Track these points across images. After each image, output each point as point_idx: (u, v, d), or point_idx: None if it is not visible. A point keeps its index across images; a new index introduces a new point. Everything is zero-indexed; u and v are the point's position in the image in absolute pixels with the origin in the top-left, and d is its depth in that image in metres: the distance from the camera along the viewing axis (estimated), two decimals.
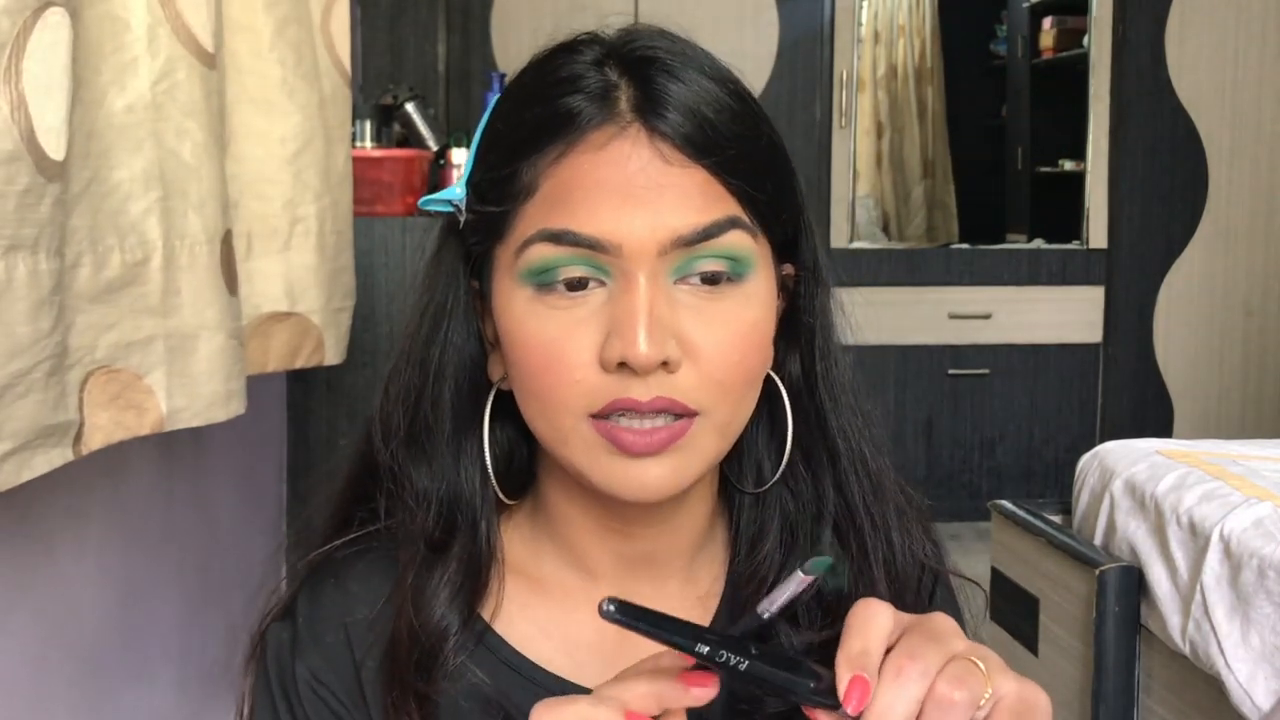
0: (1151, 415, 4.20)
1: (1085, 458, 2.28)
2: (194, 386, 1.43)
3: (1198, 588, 1.79)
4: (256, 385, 1.90)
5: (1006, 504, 2.37)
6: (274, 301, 1.79)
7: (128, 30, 1.34)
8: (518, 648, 0.73)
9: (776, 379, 0.75)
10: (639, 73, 0.68)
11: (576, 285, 0.66)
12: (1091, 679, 2.00)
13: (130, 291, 1.34)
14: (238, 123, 1.69)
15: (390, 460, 0.73)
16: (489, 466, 0.73)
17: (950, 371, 4.21)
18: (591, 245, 0.65)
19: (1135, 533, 1.99)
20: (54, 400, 1.19)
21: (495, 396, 0.74)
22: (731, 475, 0.77)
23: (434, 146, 3.26)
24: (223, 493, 2.34)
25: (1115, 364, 4.23)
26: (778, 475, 0.75)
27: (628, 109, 0.67)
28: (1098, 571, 1.97)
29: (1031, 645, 2.22)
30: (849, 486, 0.76)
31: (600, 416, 0.66)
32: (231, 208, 1.62)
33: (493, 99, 2.77)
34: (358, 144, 3.01)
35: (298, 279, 1.81)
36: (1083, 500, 2.21)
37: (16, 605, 1.44)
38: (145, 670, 1.88)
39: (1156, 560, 1.92)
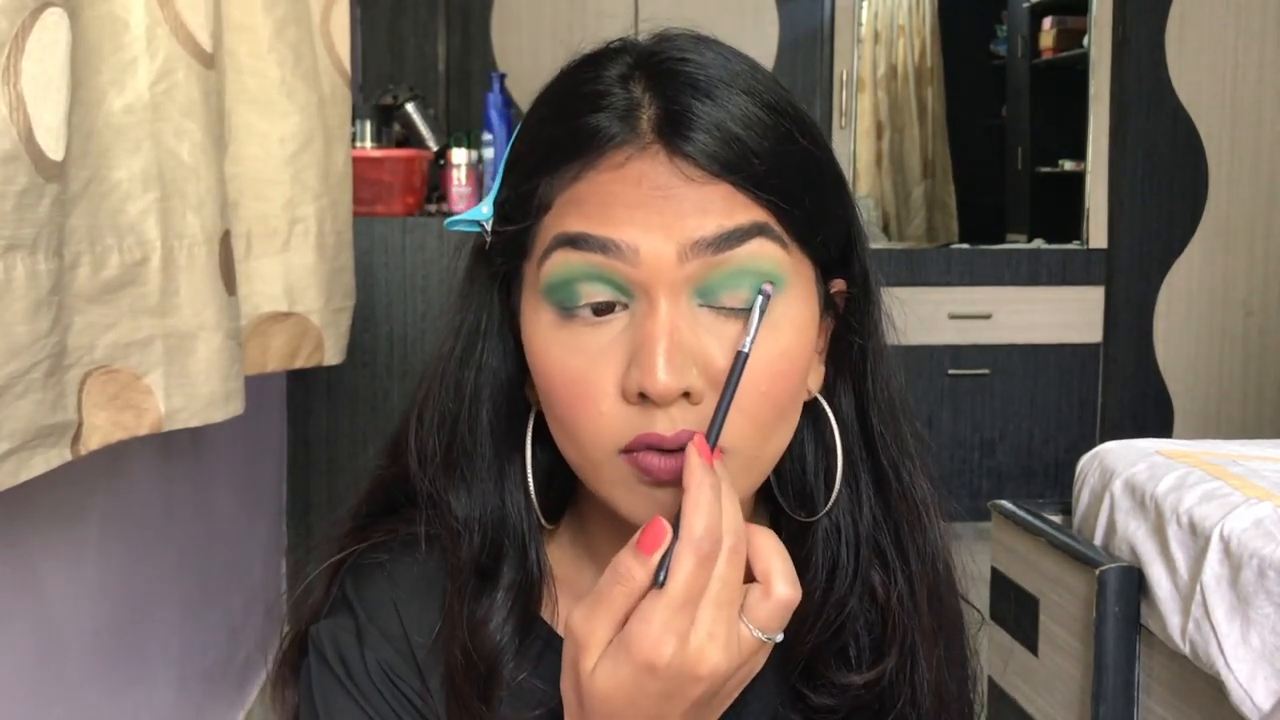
0: (1151, 415, 4.20)
1: (1085, 458, 2.28)
2: (192, 386, 1.43)
3: (1198, 588, 1.79)
4: (256, 385, 1.90)
5: (1006, 504, 2.37)
6: (273, 302, 1.79)
7: (126, 30, 1.34)
8: None
9: (825, 403, 0.72)
10: (664, 90, 0.65)
11: (602, 310, 0.64)
12: (1091, 679, 2.00)
13: (129, 291, 1.34)
14: (237, 123, 1.69)
15: (430, 486, 0.72)
16: (532, 491, 0.71)
17: (950, 371, 4.21)
18: (606, 248, 0.63)
19: (1135, 533, 1.99)
20: (52, 400, 1.19)
21: (535, 417, 0.72)
22: (781, 500, 0.75)
23: (434, 146, 3.26)
24: (223, 493, 2.34)
25: (1115, 364, 4.22)
26: (829, 505, 0.73)
27: (649, 129, 0.64)
28: (1098, 571, 1.97)
29: (1031, 645, 2.22)
30: (898, 515, 0.74)
31: (628, 451, 0.64)
32: (231, 208, 1.62)
33: (492, 99, 2.76)
34: (358, 144, 3.01)
35: (297, 279, 1.81)
36: (1083, 500, 2.21)
37: (16, 605, 1.44)
38: (145, 670, 1.88)
39: (1156, 560, 1.92)
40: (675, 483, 0.63)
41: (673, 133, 0.64)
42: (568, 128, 0.66)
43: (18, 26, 1.08)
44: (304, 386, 2.85)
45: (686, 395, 0.63)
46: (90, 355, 1.28)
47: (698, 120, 0.64)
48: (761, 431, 0.65)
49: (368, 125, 3.10)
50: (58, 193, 1.17)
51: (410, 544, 0.73)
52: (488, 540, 0.71)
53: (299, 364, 1.87)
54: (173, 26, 1.39)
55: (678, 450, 0.63)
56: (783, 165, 0.65)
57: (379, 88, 3.53)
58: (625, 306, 0.64)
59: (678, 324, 0.63)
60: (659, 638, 0.58)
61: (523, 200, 0.67)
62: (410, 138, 3.29)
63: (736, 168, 0.64)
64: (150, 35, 1.36)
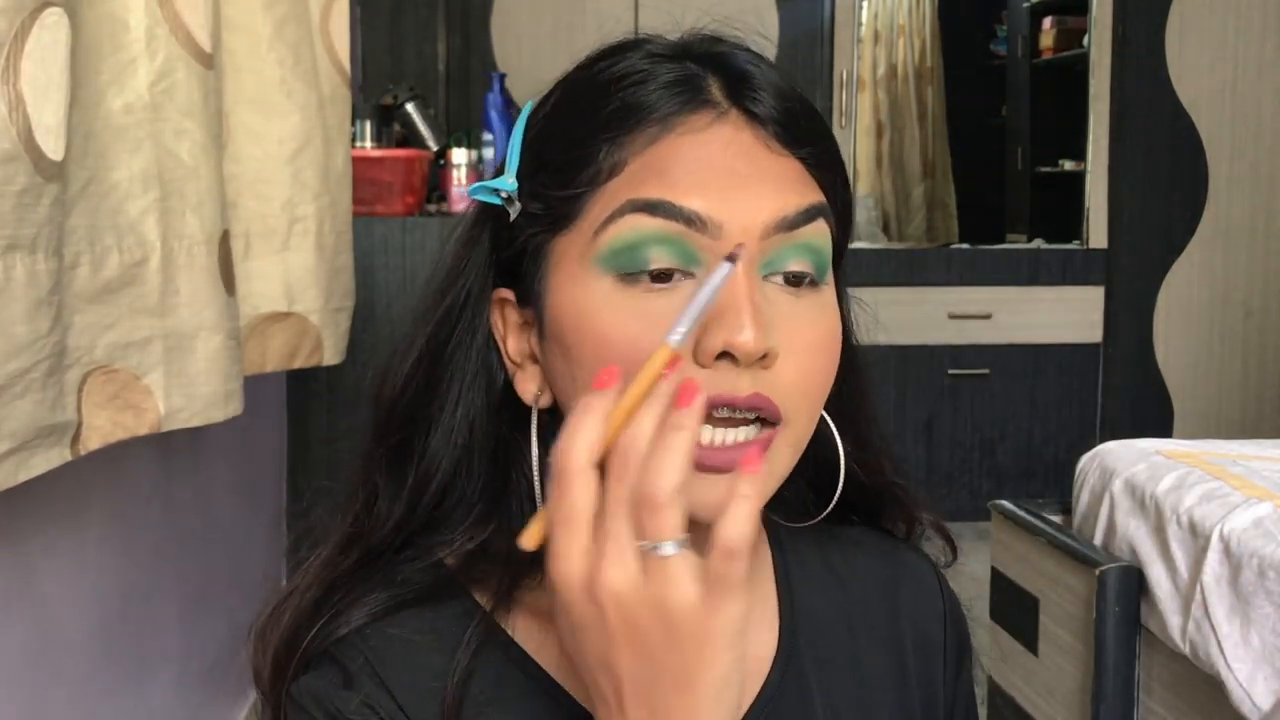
0: (1151, 415, 4.20)
1: (1085, 458, 2.27)
2: (192, 387, 1.43)
3: (1198, 588, 1.79)
4: (256, 385, 1.90)
5: (1006, 504, 2.36)
6: (272, 302, 1.79)
7: (126, 30, 1.34)
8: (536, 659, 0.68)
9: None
10: (721, 62, 0.66)
11: (660, 278, 0.62)
12: (1091, 679, 2.00)
13: (129, 291, 1.34)
14: (236, 123, 1.69)
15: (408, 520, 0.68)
16: (539, 492, 0.66)
17: (950, 371, 4.21)
18: (690, 220, 0.61)
19: (1135, 533, 1.99)
20: (52, 400, 1.19)
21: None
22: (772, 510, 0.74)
23: (434, 146, 3.27)
24: (223, 493, 2.34)
25: (1115, 364, 4.22)
26: (832, 504, 0.72)
27: (722, 96, 0.64)
28: (1098, 571, 1.97)
29: (1031, 645, 2.21)
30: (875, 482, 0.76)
31: None
32: (230, 208, 1.62)
33: (492, 99, 2.75)
34: (358, 144, 3.01)
35: (296, 279, 1.81)
36: (1083, 500, 2.21)
37: (17, 605, 1.44)
38: (145, 670, 1.88)
39: (1156, 560, 1.92)
40: (725, 470, 0.60)
41: (748, 98, 0.64)
42: (634, 94, 0.64)
43: (17, 26, 1.08)
44: (304, 386, 2.85)
45: (762, 359, 0.61)
46: (90, 355, 1.28)
47: (766, 86, 0.65)
48: (811, 406, 0.64)
49: (368, 125, 3.10)
50: (57, 193, 1.17)
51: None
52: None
53: (298, 364, 1.87)
54: (172, 26, 1.39)
55: (745, 417, 0.61)
56: (831, 149, 0.66)
57: (379, 88, 3.53)
58: (688, 275, 0.62)
59: (754, 290, 0.61)
60: (556, 561, 0.54)
61: (574, 165, 0.64)
62: (410, 138, 3.29)
63: (802, 143, 0.65)
64: (150, 35, 1.36)
